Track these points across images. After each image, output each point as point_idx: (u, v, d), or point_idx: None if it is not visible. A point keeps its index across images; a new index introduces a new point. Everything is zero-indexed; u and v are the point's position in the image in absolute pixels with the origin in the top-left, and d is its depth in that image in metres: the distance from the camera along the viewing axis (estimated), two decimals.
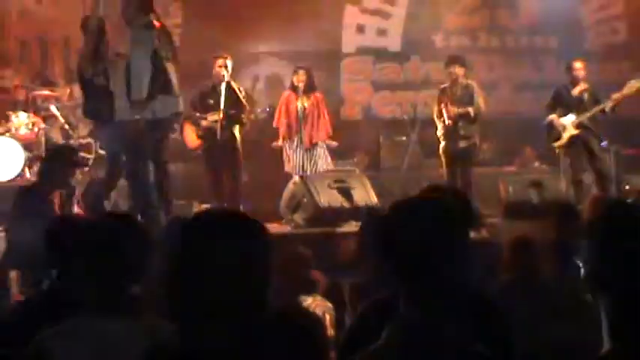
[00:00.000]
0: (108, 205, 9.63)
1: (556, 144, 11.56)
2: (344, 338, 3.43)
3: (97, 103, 9.26)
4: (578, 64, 11.54)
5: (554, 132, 11.54)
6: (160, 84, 9.04)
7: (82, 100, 9.74)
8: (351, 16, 16.12)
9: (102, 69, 9.24)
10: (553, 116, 11.52)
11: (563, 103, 11.51)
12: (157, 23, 9.14)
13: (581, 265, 2.53)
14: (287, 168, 12.08)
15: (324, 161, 12.11)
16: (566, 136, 11.35)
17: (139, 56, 9.01)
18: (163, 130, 9.44)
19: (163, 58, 9.09)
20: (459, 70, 11.83)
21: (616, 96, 11.26)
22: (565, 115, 11.41)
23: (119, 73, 9.08)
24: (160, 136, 9.40)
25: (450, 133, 11.64)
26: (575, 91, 11.44)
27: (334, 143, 12.65)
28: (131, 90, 8.99)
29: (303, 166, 11.93)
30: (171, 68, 9.14)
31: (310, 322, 3.36)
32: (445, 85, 11.99)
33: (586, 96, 11.37)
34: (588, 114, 11.28)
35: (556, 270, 5.97)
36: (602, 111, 11.28)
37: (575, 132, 11.31)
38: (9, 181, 12.83)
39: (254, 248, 2.30)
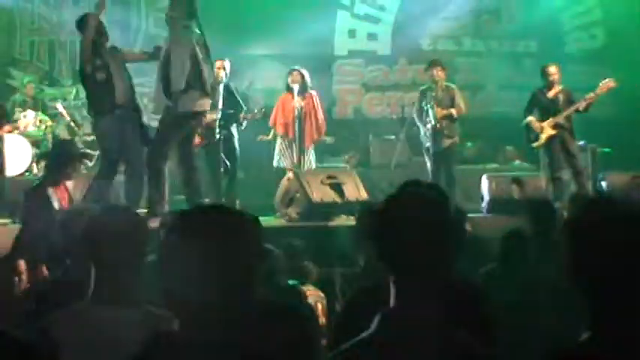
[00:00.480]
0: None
1: (534, 144, 11.60)
2: (334, 324, 3.41)
3: (98, 97, 9.24)
4: (552, 69, 11.60)
5: (532, 133, 11.58)
6: (196, 82, 9.09)
7: (85, 96, 9.67)
8: (343, 21, 16.13)
9: (101, 64, 9.24)
10: (531, 118, 11.56)
11: (539, 105, 11.57)
12: (197, 30, 9.23)
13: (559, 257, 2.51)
14: (277, 163, 12.06)
15: (313, 160, 12.14)
16: (544, 136, 11.40)
17: (179, 53, 9.05)
18: (193, 124, 9.47)
19: (200, 59, 9.13)
20: (440, 73, 11.90)
21: (589, 96, 11.34)
22: (542, 116, 11.45)
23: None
24: (189, 130, 9.45)
25: (435, 133, 11.68)
26: (551, 94, 11.50)
27: (330, 139, 12.69)
28: (170, 83, 9.04)
29: (296, 162, 11.94)
30: (205, 69, 9.20)
31: (302, 312, 3.37)
32: (424, 87, 12.06)
33: (561, 97, 11.45)
34: (564, 114, 11.32)
35: (535, 262, 5.98)
36: (577, 110, 11.35)
37: (552, 132, 11.36)
38: (18, 175, 12.83)
39: (246, 241, 2.28)
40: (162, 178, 9.25)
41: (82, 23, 9.46)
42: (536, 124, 11.47)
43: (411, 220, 2.44)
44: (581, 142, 11.87)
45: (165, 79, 9.17)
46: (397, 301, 2.43)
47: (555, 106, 11.43)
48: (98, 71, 9.20)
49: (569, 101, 11.41)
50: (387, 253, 2.47)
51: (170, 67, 9.09)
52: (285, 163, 11.93)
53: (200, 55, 9.17)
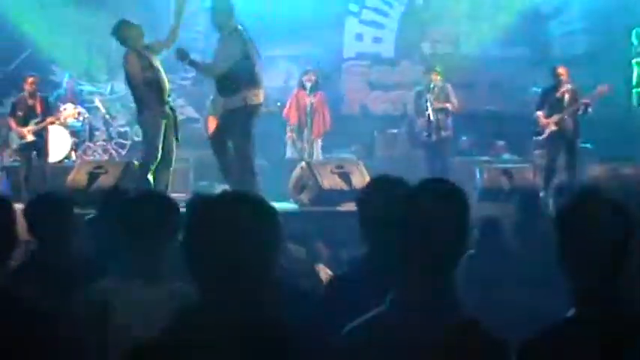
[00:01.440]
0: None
1: (539, 137, 11.67)
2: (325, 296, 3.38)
3: (146, 94, 9.20)
4: (561, 70, 11.64)
5: (537, 127, 11.62)
6: (250, 77, 9.09)
7: (132, 93, 9.56)
8: (351, 26, 16.10)
9: (148, 64, 9.21)
10: (539, 113, 11.60)
11: (548, 102, 11.58)
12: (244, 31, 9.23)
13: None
14: (289, 154, 12.12)
15: (320, 151, 12.19)
16: (547, 131, 11.42)
17: (230, 54, 9.04)
18: (254, 116, 9.38)
19: (252, 55, 9.12)
20: (435, 76, 12.09)
21: (585, 100, 11.34)
22: (549, 112, 11.44)
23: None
24: (250, 122, 9.34)
25: (432, 127, 11.75)
26: (558, 93, 11.50)
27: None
28: (227, 83, 9.08)
29: (306, 152, 11.99)
30: (257, 64, 9.21)
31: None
32: (420, 88, 12.20)
33: (567, 97, 11.44)
34: (567, 112, 11.33)
35: (520, 246, 5.96)
36: (578, 109, 11.37)
37: (554, 128, 11.38)
38: (58, 162, 12.86)
39: (263, 225, 2.26)
40: (252, 165, 9.28)
41: (124, 34, 9.38)
42: (542, 120, 11.50)
43: (421, 211, 2.42)
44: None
45: (219, 82, 9.24)
46: (406, 285, 2.41)
47: (561, 104, 11.45)
48: (145, 70, 9.18)
49: (574, 101, 11.42)
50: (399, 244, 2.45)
51: (214, 61, 9.22)
52: (294, 153, 12.02)
53: (251, 52, 9.14)
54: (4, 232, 2.77)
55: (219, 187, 11.02)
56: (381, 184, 3.25)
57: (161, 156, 9.26)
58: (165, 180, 9.36)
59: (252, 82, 9.15)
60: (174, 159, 9.47)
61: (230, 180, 9.28)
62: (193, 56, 9.58)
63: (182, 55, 9.20)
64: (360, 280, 3.04)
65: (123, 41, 9.37)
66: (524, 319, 2.54)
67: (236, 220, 2.21)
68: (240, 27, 9.19)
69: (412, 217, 2.42)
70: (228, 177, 9.31)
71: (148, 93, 9.17)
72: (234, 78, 9.06)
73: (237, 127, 9.24)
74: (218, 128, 9.51)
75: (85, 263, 4.05)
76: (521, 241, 6.08)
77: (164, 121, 9.24)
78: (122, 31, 9.40)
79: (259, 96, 9.30)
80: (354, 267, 3.41)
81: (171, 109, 9.46)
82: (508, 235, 6.25)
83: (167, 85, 9.38)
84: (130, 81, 9.34)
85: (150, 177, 9.22)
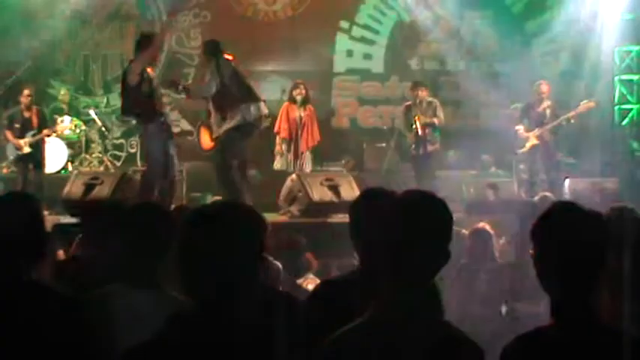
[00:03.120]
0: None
1: (519, 151, 11.74)
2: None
3: (145, 106, 9.35)
4: (543, 87, 11.80)
5: (519, 140, 11.71)
6: (247, 95, 9.64)
7: (122, 102, 9.72)
8: (342, 42, 16.13)
9: (147, 77, 9.36)
10: (520, 127, 11.69)
11: (529, 117, 11.66)
12: (229, 57, 9.80)
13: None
14: (278, 166, 12.16)
15: (309, 164, 12.21)
16: (528, 144, 11.50)
17: (217, 75, 9.58)
18: (252, 131, 9.90)
19: (242, 76, 9.79)
20: (422, 93, 12.16)
21: (571, 113, 11.46)
22: (530, 127, 11.51)
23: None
24: (250, 135, 9.93)
25: (420, 141, 11.80)
26: (539, 108, 11.58)
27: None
28: (223, 102, 9.60)
29: (292, 164, 12.01)
30: (249, 83, 9.89)
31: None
32: (409, 102, 12.23)
33: (548, 112, 11.55)
34: (548, 127, 11.41)
35: (517, 256, 6.01)
36: (559, 124, 11.45)
37: (535, 142, 11.46)
38: (55, 172, 12.87)
39: (250, 233, 2.30)
40: (237, 180, 9.68)
41: (144, 44, 9.46)
42: (523, 134, 11.59)
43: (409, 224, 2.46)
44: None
45: (214, 108, 9.80)
46: (389, 293, 2.45)
47: (542, 118, 11.56)
48: (144, 83, 9.26)
49: (555, 116, 11.52)
50: (375, 253, 2.49)
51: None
52: (282, 165, 12.05)
53: (243, 74, 9.81)
54: (33, 229, 2.80)
55: (212, 199, 11.08)
56: (372, 196, 3.28)
57: (163, 167, 9.37)
58: (168, 190, 9.50)
59: (252, 97, 9.45)
60: (175, 170, 9.62)
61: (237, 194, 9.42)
62: (187, 70, 9.77)
63: (173, 84, 9.60)
64: (348, 288, 3.07)
65: (140, 51, 9.43)
66: (514, 328, 2.57)
67: (226, 228, 2.26)
68: (222, 57, 9.72)
69: (390, 228, 2.46)
70: (240, 195, 9.43)
71: (145, 102, 9.27)
72: (233, 98, 9.50)
73: (239, 145, 9.62)
74: (220, 150, 9.74)
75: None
76: (519, 250, 6.13)
77: (165, 133, 9.39)
78: (148, 44, 9.48)
79: (258, 110, 9.56)
80: (344, 275, 3.44)
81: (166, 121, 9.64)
82: (503, 245, 6.31)
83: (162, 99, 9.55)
84: (129, 93, 9.40)
85: (154, 188, 9.31)
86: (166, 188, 9.51)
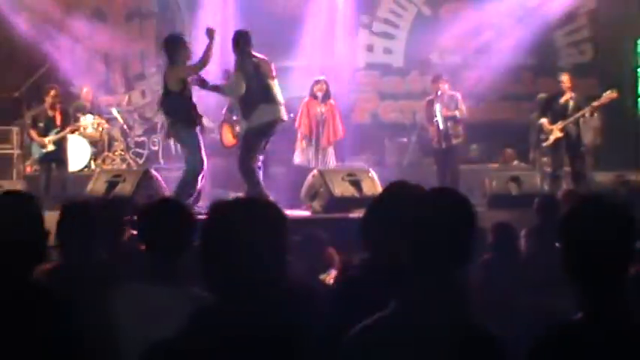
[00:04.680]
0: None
1: (543, 144, 11.63)
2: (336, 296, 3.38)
3: (183, 109, 9.42)
4: (564, 78, 11.63)
5: (542, 134, 11.60)
6: (264, 96, 9.54)
7: (162, 100, 9.81)
8: (363, 37, 16.12)
9: (188, 83, 9.53)
10: (542, 120, 11.58)
11: (551, 109, 11.54)
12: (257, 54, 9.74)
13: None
14: (297, 161, 12.16)
15: (333, 160, 12.20)
16: (552, 137, 11.39)
17: (238, 77, 9.53)
18: (270, 132, 9.87)
19: (265, 76, 9.62)
20: (443, 85, 12.05)
21: (594, 104, 11.33)
22: (553, 119, 11.42)
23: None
24: (269, 136, 9.89)
25: (442, 135, 11.74)
26: (562, 100, 11.47)
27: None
28: (245, 103, 9.60)
29: (314, 160, 12.00)
30: (271, 83, 9.71)
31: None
32: (431, 97, 12.11)
33: (570, 104, 11.41)
34: (571, 119, 11.30)
35: (539, 250, 5.95)
36: (583, 116, 11.34)
37: (560, 135, 11.35)
38: (78, 170, 12.93)
39: (272, 228, 2.28)
40: (256, 176, 9.62)
41: (176, 49, 9.49)
42: (547, 126, 11.47)
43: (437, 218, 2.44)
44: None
45: (238, 104, 9.78)
46: (411, 287, 2.43)
47: (565, 111, 11.42)
48: (186, 90, 9.43)
49: (578, 108, 11.39)
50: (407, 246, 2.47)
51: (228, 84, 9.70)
52: (303, 160, 12.04)
53: (265, 72, 9.62)
54: (33, 228, 2.80)
55: (234, 195, 11.08)
56: (397, 189, 3.25)
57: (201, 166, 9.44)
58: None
59: (270, 99, 9.42)
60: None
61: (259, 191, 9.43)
62: (209, 67, 9.75)
63: (202, 83, 9.55)
64: (369, 282, 3.05)
65: (171, 55, 9.42)
66: (540, 323, 2.54)
67: (248, 222, 2.24)
68: (250, 52, 9.63)
69: (420, 221, 2.46)
70: (261, 192, 9.44)
71: (187, 108, 9.33)
72: (249, 100, 9.48)
73: (260, 142, 9.68)
74: (244, 148, 9.76)
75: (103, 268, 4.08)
76: (540, 244, 6.08)
77: (199, 133, 9.51)
78: (176, 45, 9.46)
79: (277, 112, 9.54)
80: (363, 269, 3.42)
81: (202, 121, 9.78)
82: (524, 239, 6.26)
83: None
84: (171, 97, 9.42)
85: (194, 187, 9.38)
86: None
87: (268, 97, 9.58)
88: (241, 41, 9.69)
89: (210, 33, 9.51)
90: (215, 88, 9.99)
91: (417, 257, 2.44)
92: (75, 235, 4.09)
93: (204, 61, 9.46)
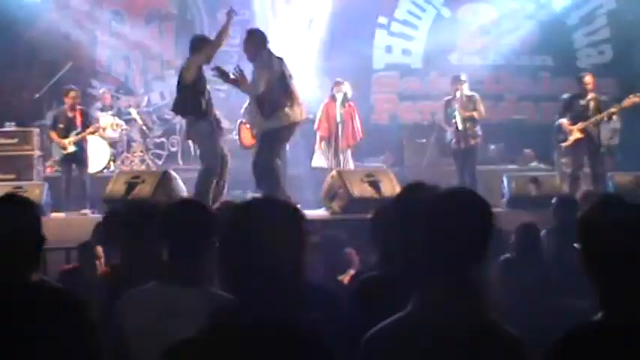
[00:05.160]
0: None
1: (563, 144, 11.55)
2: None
3: (198, 104, 9.43)
4: (587, 78, 11.50)
5: (561, 134, 11.52)
6: (285, 97, 9.44)
7: (175, 100, 9.82)
8: (381, 38, 16.12)
9: (203, 77, 9.55)
10: (562, 120, 11.49)
11: (572, 110, 11.46)
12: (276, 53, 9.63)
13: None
14: (316, 164, 12.16)
15: (351, 161, 12.20)
16: (572, 138, 11.31)
17: (260, 77, 9.39)
18: (289, 134, 9.81)
19: (287, 75, 9.51)
20: (462, 87, 12.01)
21: (615, 107, 11.27)
22: (573, 120, 11.35)
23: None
24: (288, 138, 9.88)
25: (460, 135, 11.71)
26: (583, 101, 11.39)
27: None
28: (266, 105, 9.43)
29: (334, 162, 12.01)
30: (291, 84, 9.58)
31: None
32: (449, 97, 12.12)
33: (592, 105, 11.32)
34: (591, 121, 11.22)
35: (557, 251, 5.93)
36: (602, 118, 11.27)
37: (580, 135, 11.27)
38: (98, 172, 12.97)
39: (291, 228, 2.28)
40: (276, 177, 9.53)
41: (198, 44, 9.55)
42: (567, 127, 11.39)
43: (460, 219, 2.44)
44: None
45: (257, 103, 9.57)
46: (431, 287, 2.43)
47: (586, 112, 11.32)
48: (200, 82, 9.45)
49: (599, 109, 11.31)
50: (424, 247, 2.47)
51: (251, 84, 9.49)
52: (323, 163, 12.04)
53: (287, 72, 9.51)
54: (31, 233, 2.83)
55: (252, 195, 11.10)
56: (415, 190, 3.25)
57: (219, 164, 9.48)
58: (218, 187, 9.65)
59: (290, 100, 9.37)
60: (227, 167, 9.78)
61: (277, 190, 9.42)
62: (226, 68, 9.76)
63: (222, 72, 9.52)
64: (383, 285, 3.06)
65: (196, 50, 9.48)
66: (560, 324, 2.53)
67: (267, 222, 2.25)
68: (270, 51, 9.45)
69: (439, 222, 2.45)
70: (280, 193, 9.42)
71: (199, 101, 9.35)
72: (272, 99, 9.37)
73: (279, 145, 9.64)
74: (265, 148, 9.66)
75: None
76: (558, 245, 6.06)
77: (217, 131, 9.52)
78: (203, 43, 9.54)
79: (298, 113, 9.51)
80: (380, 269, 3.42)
81: (217, 119, 9.74)
82: (544, 239, 6.24)
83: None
84: (184, 91, 9.45)
85: (211, 186, 9.40)
86: (218, 185, 9.61)
87: (292, 97, 9.53)
88: (262, 40, 9.61)
89: (229, 14, 9.57)
90: (234, 82, 9.90)
91: (435, 257, 2.44)
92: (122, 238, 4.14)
93: (218, 40, 9.53)
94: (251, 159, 9.92)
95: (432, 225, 2.47)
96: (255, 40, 9.61)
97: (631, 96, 11.41)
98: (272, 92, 9.39)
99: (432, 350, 2.34)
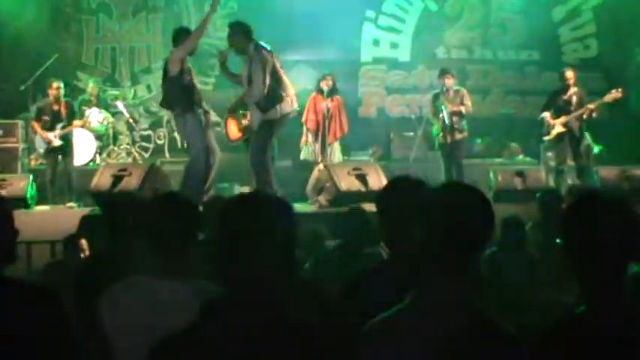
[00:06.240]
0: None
1: (545, 138, 11.66)
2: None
3: (185, 97, 9.44)
4: (569, 73, 11.64)
5: (545, 128, 11.62)
6: (277, 90, 9.45)
7: (162, 94, 9.84)
8: (368, 31, 16.11)
9: (187, 68, 9.53)
10: (545, 114, 11.60)
11: (555, 104, 11.57)
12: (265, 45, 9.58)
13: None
14: (303, 156, 12.16)
15: (339, 155, 12.20)
16: (554, 132, 11.43)
17: (257, 72, 9.37)
18: (282, 126, 9.76)
19: (277, 67, 9.49)
20: (450, 81, 12.03)
21: (598, 102, 11.34)
22: (556, 114, 11.44)
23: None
24: (280, 130, 9.78)
25: (447, 129, 11.75)
26: (566, 95, 11.49)
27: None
28: (260, 98, 9.42)
29: (320, 155, 12.00)
30: (282, 76, 9.59)
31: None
32: (437, 91, 12.13)
33: (574, 99, 11.44)
34: (573, 115, 11.32)
35: (542, 244, 5.96)
36: (584, 113, 11.35)
37: (562, 130, 11.39)
38: (84, 164, 12.93)
39: (282, 223, 2.29)
40: (270, 171, 9.56)
41: (181, 37, 9.56)
42: (549, 121, 11.51)
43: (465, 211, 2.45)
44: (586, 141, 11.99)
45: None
46: (425, 284, 2.43)
47: (568, 106, 11.44)
48: (185, 74, 9.35)
49: (581, 104, 11.41)
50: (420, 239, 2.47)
51: (253, 85, 9.40)
52: (309, 156, 12.04)
53: (277, 64, 9.50)
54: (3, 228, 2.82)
55: (239, 189, 11.10)
56: (401, 185, 3.24)
57: (205, 157, 9.45)
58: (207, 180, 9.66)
59: (284, 91, 9.37)
60: (216, 160, 9.76)
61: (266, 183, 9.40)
62: (213, 61, 9.76)
63: (224, 58, 9.60)
64: (381, 278, 3.06)
65: (177, 44, 9.50)
66: (547, 316, 2.54)
67: (257, 217, 2.25)
68: (258, 43, 9.37)
69: (435, 218, 2.45)
70: (269, 187, 9.39)
71: (186, 93, 9.33)
72: (268, 91, 9.38)
73: (270, 137, 9.60)
74: (260, 141, 9.66)
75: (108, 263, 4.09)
76: (542, 239, 6.09)
77: (202, 120, 9.49)
78: (185, 35, 9.53)
79: (291, 103, 9.51)
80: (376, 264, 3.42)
81: (205, 111, 9.69)
82: (530, 233, 6.27)
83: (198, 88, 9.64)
84: (170, 84, 9.45)
85: (198, 178, 9.38)
86: (206, 178, 9.60)
87: (286, 89, 9.54)
88: (247, 33, 9.57)
89: (213, 5, 9.57)
90: (233, 77, 9.93)
91: (431, 252, 2.44)
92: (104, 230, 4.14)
93: (200, 31, 9.54)
94: (238, 152, 9.93)
95: (430, 221, 2.45)
96: (241, 34, 9.59)
97: (613, 91, 11.51)
98: (268, 85, 9.41)
99: (424, 347, 2.34)
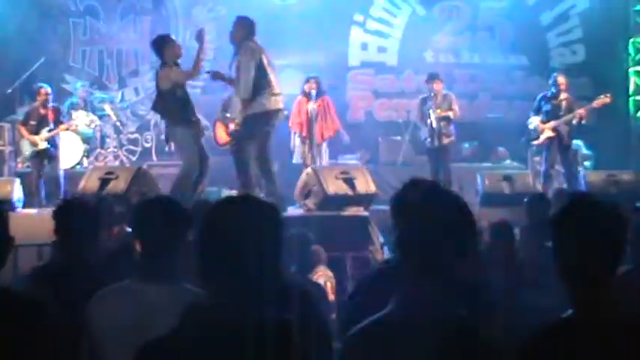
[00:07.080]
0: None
1: (534, 142, 11.72)
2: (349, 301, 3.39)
3: (178, 110, 9.41)
4: (561, 79, 11.73)
5: (534, 132, 11.68)
6: (264, 85, 9.36)
7: (155, 100, 9.77)
8: (356, 35, 16.12)
9: (181, 84, 9.50)
10: (534, 118, 11.65)
11: (545, 109, 11.65)
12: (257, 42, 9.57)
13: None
14: (295, 160, 12.20)
15: (326, 157, 12.22)
16: (543, 136, 11.49)
17: (246, 65, 9.31)
18: (269, 122, 9.61)
19: (265, 64, 9.40)
20: (437, 85, 12.09)
21: (586, 107, 11.42)
22: (546, 118, 11.49)
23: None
24: (267, 128, 9.63)
25: (435, 133, 11.78)
26: (556, 100, 11.55)
27: (346, 137, 12.82)
28: (241, 92, 9.36)
29: (308, 157, 12.01)
30: (271, 72, 9.49)
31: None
32: (424, 95, 12.16)
33: (564, 104, 11.51)
34: (562, 120, 11.38)
35: (530, 248, 5.97)
36: (573, 118, 11.42)
37: (551, 134, 11.44)
38: (71, 167, 12.89)
39: (268, 226, 2.29)
40: (249, 168, 9.49)
41: (162, 46, 9.51)
42: (539, 125, 11.56)
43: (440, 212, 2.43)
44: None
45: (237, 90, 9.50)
46: (410, 285, 2.42)
47: (558, 111, 11.52)
48: (178, 89, 9.29)
49: (570, 109, 11.48)
50: (402, 242, 2.44)
51: (240, 75, 9.36)
52: (298, 158, 12.07)
53: (265, 61, 9.42)
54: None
55: (227, 192, 11.08)
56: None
57: (198, 166, 9.42)
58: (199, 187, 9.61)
59: (270, 88, 9.32)
60: (207, 167, 9.70)
61: (248, 184, 9.36)
62: (202, 64, 9.70)
63: (219, 76, 9.53)
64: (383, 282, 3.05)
65: (161, 55, 9.41)
66: (536, 321, 2.54)
67: (244, 220, 2.25)
68: (255, 41, 9.38)
69: (409, 219, 2.43)
70: (248, 184, 9.35)
71: (178, 107, 9.30)
72: (254, 86, 9.29)
73: (257, 132, 9.46)
74: (239, 134, 9.59)
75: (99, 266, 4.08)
76: (530, 243, 6.10)
77: (193, 132, 9.42)
78: (163, 45, 9.44)
79: (277, 102, 9.47)
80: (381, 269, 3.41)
81: (196, 121, 9.66)
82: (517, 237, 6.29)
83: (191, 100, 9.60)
84: (162, 96, 9.40)
85: (189, 187, 9.33)
86: (196, 187, 9.55)
87: (271, 86, 9.46)
88: (251, 30, 9.57)
89: (200, 36, 9.50)
90: (230, 82, 9.89)
91: (413, 257, 2.41)
92: (74, 233, 4.11)
93: (197, 67, 9.49)
94: (225, 156, 9.90)
95: (406, 224, 2.44)
96: (245, 29, 9.56)
97: (601, 96, 11.59)
98: (254, 78, 9.34)
99: (408, 349, 2.33)
